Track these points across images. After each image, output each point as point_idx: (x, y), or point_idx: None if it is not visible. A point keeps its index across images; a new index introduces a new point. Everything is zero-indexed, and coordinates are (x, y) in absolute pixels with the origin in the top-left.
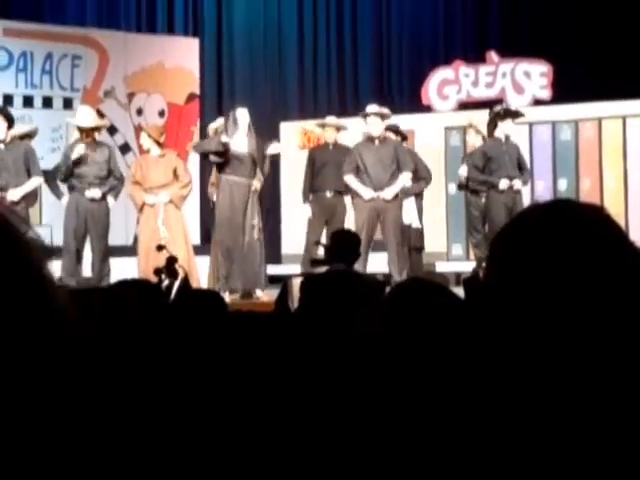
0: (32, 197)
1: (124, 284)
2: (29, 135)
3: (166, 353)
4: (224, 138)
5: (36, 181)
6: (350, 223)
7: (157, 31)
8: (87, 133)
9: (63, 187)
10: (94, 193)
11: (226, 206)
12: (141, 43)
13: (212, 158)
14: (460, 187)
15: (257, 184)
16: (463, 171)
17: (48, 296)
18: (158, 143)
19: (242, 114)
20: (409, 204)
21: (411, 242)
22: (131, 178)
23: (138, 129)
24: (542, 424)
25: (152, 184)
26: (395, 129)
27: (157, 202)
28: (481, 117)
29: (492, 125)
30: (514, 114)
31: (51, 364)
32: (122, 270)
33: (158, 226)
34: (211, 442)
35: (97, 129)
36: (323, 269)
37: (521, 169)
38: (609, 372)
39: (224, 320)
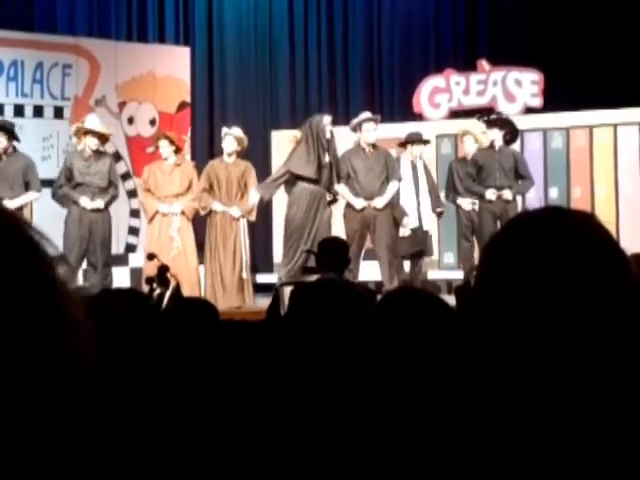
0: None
1: (108, 293)
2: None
3: (157, 362)
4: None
5: (33, 195)
6: (339, 232)
7: (148, 40)
8: (98, 137)
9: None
10: (97, 204)
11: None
12: (132, 52)
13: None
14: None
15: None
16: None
17: (56, 301)
18: (176, 152)
19: (328, 123)
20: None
21: (430, 251)
22: (143, 185)
23: (135, 137)
24: (533, 431)
25: (167, 193)
26: (420, 138)
27: (171, 212)
28: (474, 125)
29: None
30: (497, 123)
31: (54, 374)
32: (114, 279)
33: (172, 236)
34: (204, 450)
35: (104, 138)
36: (314, 277)
37: (521, 177)
38: (599, 377)
39: (216, 328)
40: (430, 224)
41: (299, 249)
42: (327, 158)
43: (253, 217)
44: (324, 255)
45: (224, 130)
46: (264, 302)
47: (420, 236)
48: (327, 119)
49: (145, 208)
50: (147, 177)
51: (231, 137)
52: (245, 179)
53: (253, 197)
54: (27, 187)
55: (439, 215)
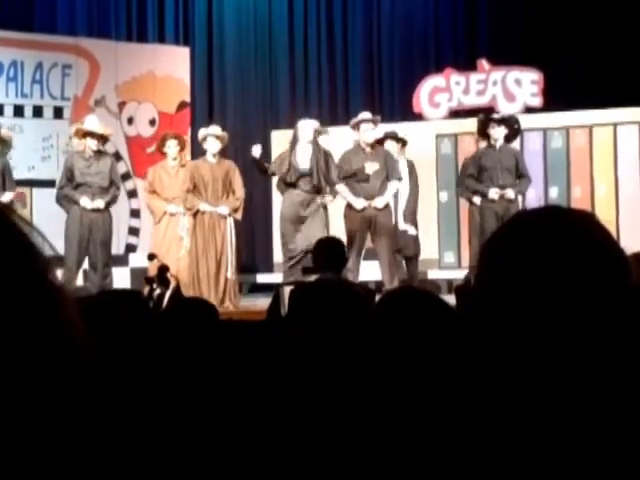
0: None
1: (106, 294)
2: (5, 141)
3: (157, 362)
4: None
5: (6, 196)
6: (339, 232)
7: (148, 40)
8: (96, 138)
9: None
10: (98, 204)
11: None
12: (132, 52)
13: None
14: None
15: (327, 198)
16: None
17: (52, 301)
18: (179, 151)
19: (303, 127)
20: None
21: (409, 250)
22: (148, 187)
23: (135, 137)
24: (533, 431)
25: (175, 194)
26: (394, 135)
27: (179, 212)
28: (474, 125)
29: (483, 131)
30: (499, 121)
31: (50, 373)
32: (114, 279)
33: (182, 236)
34: (205, 450)
35: (104, 138)
36: (313, 277)
37: (520, 176)
38: (599, 377)
39: (216, 328)
40: (409, 225)
41: (291, 250)
42: (308, 164)
43: (239, 215)
44: (321, 255)
45: (203, 132)
46: (264, 302)
47: (399, 235)
48: (306, 122)
49: (153, 210)
50: (152, 179)
51: (213, 137)
52: (230, 178)
53: (255, 150)
54: (4, 187)
55: (413, 223)
